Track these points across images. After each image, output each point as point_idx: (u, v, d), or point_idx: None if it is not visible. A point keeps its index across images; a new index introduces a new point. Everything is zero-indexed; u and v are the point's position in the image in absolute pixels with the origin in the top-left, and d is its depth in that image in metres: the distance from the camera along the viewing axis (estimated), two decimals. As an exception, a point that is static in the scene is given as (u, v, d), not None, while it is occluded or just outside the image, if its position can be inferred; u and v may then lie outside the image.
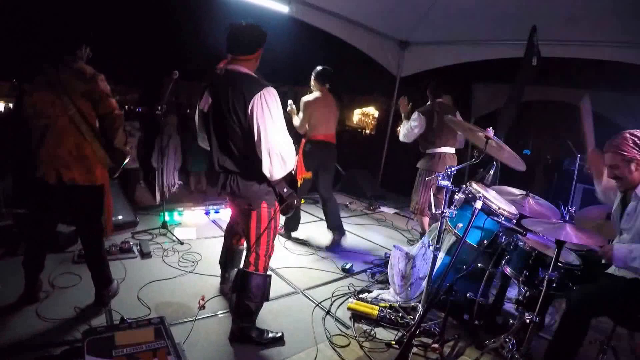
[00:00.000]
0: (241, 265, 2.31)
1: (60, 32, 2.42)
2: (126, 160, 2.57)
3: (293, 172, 2.29)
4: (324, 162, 3.89)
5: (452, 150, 3.96)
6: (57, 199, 2.39)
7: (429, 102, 3.95)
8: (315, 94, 3.84)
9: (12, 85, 2.34)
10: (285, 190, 2.16)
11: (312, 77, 3.89)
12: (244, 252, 2.80)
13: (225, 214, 4.51)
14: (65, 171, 2.28)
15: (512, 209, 2.51)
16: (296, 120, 3.86)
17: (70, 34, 2.41)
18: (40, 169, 2.28)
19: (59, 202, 2.42)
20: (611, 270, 2.19)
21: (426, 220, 4.07)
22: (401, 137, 4.02)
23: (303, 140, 3.85)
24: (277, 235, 2.39)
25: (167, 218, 4.00)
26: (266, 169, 2.04)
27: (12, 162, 3.15)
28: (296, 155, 2.30)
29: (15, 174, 3.28)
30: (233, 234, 2.79)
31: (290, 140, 2.12)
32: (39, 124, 2.26)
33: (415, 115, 3.87)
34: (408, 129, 3.89)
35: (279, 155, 2.02)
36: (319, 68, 3.87)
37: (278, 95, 2.09)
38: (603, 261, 2.27)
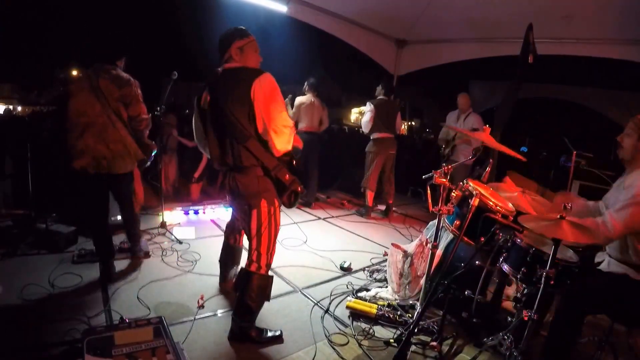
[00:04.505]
0: (243, 265, 2.31)
1: (106, 45, 2.89)
2: (154, 153, 3.03)
3: (294, 162, 2.28)
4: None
5: (390, 135, 4.90)
6: (96, 185, 2.81)
7: (380, 97, 4.88)
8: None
9: (59, 86, 2.69)
10: (287, 176, 2.16)
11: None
12: (244, 251, 2.81)
13: (218, 215, 4.52)
14: (103, 162, 2.71)
15: (509, 206, 2.52)
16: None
17: (115, 47, 2.89)
18: (80, 161, 2.67)
19: (98, 188, 2.84)
20: (602, 267, 2.20)
21: (371, 195, 5.01)
22: (364, 128, 4.91)
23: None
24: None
25: (166, 218, 4.01)
26: (279, 143, 2.09)
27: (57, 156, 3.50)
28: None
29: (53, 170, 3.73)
30: (233, 232, 2.80)
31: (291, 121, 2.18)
32: (80, 122, 2.66)
33: (367, 105, 4.85)
34: (366, 118, 4.81)
35: (286, 128, 2.10)
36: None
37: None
38: (596, 260, 2.29)
